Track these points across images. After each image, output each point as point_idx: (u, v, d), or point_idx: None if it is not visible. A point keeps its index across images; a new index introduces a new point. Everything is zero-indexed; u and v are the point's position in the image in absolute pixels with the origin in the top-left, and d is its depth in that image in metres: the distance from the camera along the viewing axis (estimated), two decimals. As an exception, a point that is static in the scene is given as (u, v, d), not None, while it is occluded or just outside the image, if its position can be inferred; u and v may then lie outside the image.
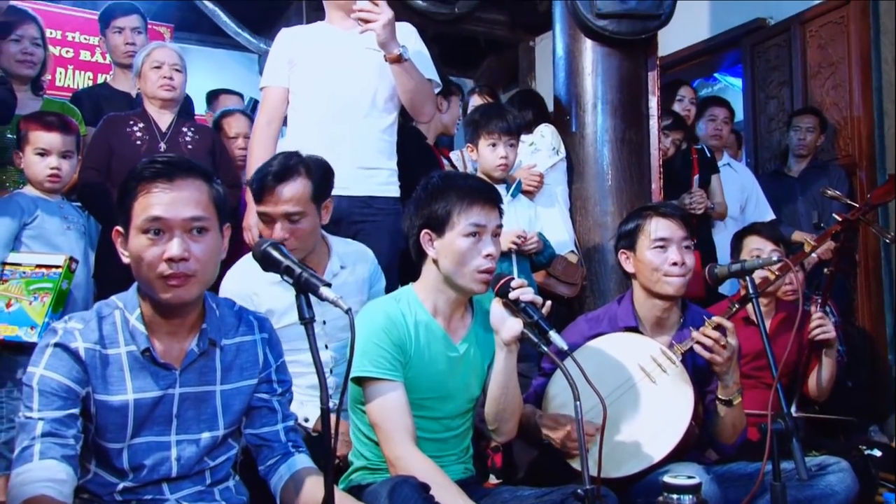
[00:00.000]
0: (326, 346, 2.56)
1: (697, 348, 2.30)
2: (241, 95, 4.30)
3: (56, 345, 1.65)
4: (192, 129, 3.41)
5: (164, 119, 3.33)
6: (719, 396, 2.36)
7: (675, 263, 2.42)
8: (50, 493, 1.54)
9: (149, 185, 1.66)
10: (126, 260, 1.71)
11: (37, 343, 2.49)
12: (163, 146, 3.25)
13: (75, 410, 1.64)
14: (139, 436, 1.72)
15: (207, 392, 1.79)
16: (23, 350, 2.64)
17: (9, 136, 3.16)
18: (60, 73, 5.50)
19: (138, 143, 3.23)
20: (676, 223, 2.47)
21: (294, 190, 2.43)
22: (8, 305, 2.68)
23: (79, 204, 3.18)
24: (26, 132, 2.90)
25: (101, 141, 3.21)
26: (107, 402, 1.67)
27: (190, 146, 3.33)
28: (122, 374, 1.69)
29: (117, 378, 1.69)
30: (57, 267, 2.70)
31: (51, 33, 5.03)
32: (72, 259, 2.73)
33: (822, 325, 2.90)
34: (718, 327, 2.29)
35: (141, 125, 3.28)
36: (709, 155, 4.35)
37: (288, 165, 2.45)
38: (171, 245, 1.64)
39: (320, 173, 2.53)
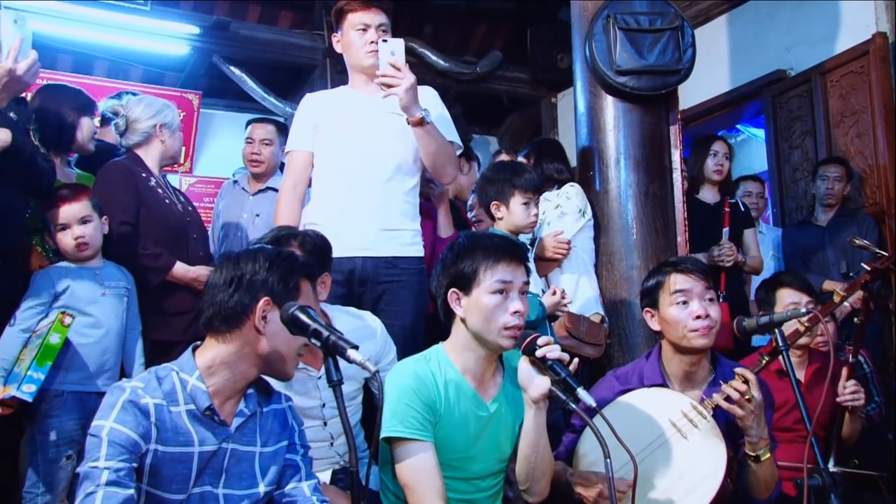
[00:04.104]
0: (325, 424, 2.49)
1: (718, 399, 2.25)
2: (277, 124, 4.32)
3: (127, 400, 1.71)
4: (173, 188, 3.46)
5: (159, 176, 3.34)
6: (747, 452, 2.30)
7: (698, 317, 2.38)
8: None
9: None
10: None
11: (18, 397, 2.56)
12: (180, 207, 3.29)
13: (136, 465, 1.69)
14: (196, 486, 1.78)
15: (249, 452, 1.87)
16: (27, 412, 2.69)
17: None
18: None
19: (167, 200, 3.23)
20: (695, 276, 2.43)
21: None
22: (18, 367, 2.70)
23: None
24: (45, 214, 2.92)
25: (129, 190, 3.13)
26: (173, 454, 1.74)
27: (189, 207, 3.39)
28: (187, 427, 1.77)
29: (184, 431, 1.76)
30: (51, 322, 2.70)
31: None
32: (64, 314, 2.70)
33: (856, 393, 2.85)
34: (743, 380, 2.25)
35: (154, 180, 3.24)
36: (742, 209, 4.33)
37: (279, 237, 2.43)
38: None
39: (312, 247, 2.48)
